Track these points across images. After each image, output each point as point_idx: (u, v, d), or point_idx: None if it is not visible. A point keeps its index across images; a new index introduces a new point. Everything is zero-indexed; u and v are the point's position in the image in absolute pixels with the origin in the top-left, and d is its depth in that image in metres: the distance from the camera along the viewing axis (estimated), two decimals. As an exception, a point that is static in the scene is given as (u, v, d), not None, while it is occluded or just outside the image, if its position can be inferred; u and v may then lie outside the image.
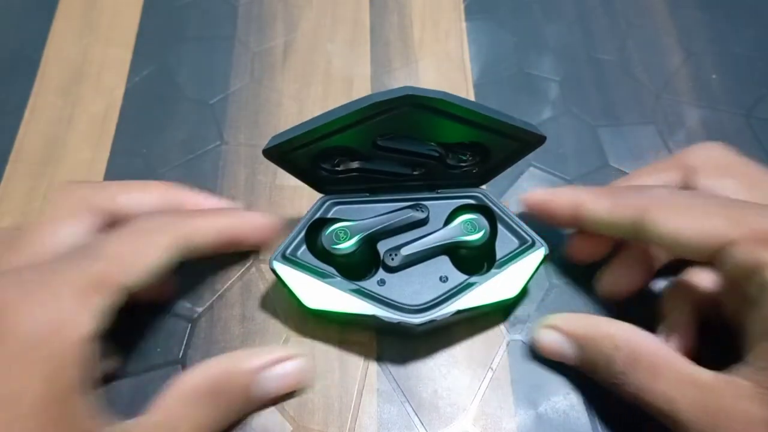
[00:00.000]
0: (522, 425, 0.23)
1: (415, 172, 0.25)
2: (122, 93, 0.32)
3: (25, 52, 0.33)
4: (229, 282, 0.26)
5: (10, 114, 0.31)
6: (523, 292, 0.25)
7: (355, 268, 0.24)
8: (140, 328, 0.25)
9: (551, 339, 0.23)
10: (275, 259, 0.23)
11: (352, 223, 0.24)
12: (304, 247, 0.24)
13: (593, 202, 0.23)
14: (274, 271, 0.23)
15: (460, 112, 0.21)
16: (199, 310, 0.25)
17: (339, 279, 0.23)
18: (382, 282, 0.24)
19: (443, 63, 0.33)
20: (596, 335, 0.22)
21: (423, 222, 0.25)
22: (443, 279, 0.24)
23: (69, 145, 0.30)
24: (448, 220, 0.25)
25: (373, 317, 0.22)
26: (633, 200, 0.22)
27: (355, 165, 0.24)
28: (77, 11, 0.35)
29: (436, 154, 0.24)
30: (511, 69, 0.33)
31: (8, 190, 0.29)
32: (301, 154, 0.23)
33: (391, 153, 0.24)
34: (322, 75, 0.32)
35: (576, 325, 0.23)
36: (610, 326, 0.22)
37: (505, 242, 0.25)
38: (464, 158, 0.24)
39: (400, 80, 0.32)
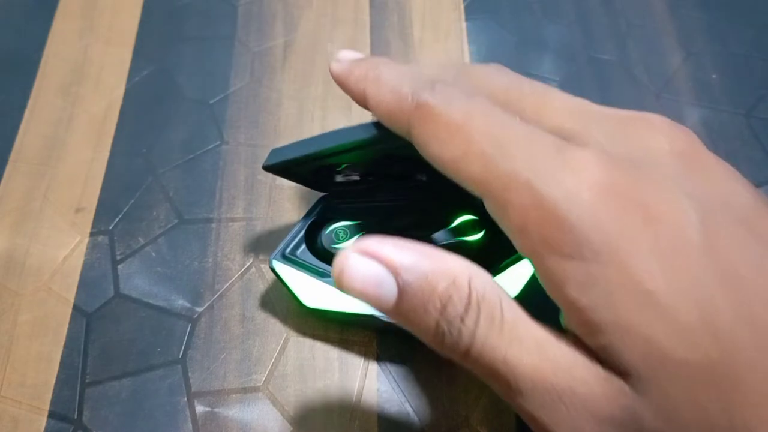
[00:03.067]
0: (523, 424, 0.23)
1: (417, 177, 0.25)
2: (122, 93, 0.32)
3: (25, 52, 0.33)
4: (229, 282, 0.26)
5: (10, 114, 0.31)
6: (522, 294, 0.25)
7: None
8: (140, 328, 0.25)
9: (367, 271, 0.16)
10: (275, 258, 0.23)
11: (352, 223, 0.24)
12: (303, 246, 0.24)
13: (375, 95, 0.18)
14: (273, 270, 0.23)
15: None
16: (199, 310, 0.25)
17: None
18: None
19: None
20: (430, 269, 0.15)
21: (423, 222, 0.25)
22: None
23: (69, 145, 0.30)
24: (449, 221, 0.25)
25: (371, 317, 0.22)
26: (412, 103, 0.17)
27: (356, 177, 0.24)
28: (77, 11, 0.35)
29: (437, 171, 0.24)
30: (511, 69, 0.33)
31: (8, 190, 0.29)
32: (302, 169, 0.23)
33: (393, 167, 0.23)
34: (322, 75, 0.32)
35: (403, 252, 0.16)
36: (446, 259, 0.16)
37: (505, 244, 0.24)
38: None
39: (400, 80, 0.32)
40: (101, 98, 0.32)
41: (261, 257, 0.27)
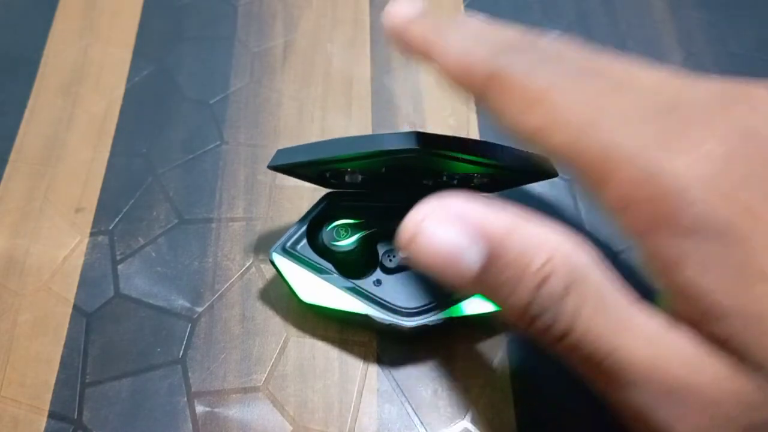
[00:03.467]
0: (523, 424, 0.23)
1: (423, 182, 0.24)
2: (122, 93, 0.32)
3: (25, 52, 0.33)
4: (229, 282, 0.26)
5: (10, 114, 0.31)
6: None
7: (353, 266, 0.24)
8: (140, 328, 0.25)
9: (448, 239, 0.14)
10: (275, 251, 0.23)
11: (353, 221, 0.24)
12: (304, 241, 0.24)
13: (440, 58, 0.17)
14: (273, 263, 0.23)
15: (471, 158, 0.21)
16: (199, 310, 0.25)
17: (336, 276, 0.23)
18: (378, 282, 0.24)
19: (443, 63, 0.33)
20: (526, 240, 0.13)
21: None
22: (440, 284, 0.24)
23: (69, 145, 0.30)
24: None
25: (366, 317, 0.22)
26: (490, 63, 0.15)
27: (361, 178, 0.24)
28: (77, 11, 0.35)
29: (444, 180, 0.24)
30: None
31: (8, 190, 0.29)
32: (307, 170, 0.23)
33: (399, 173, 0.23)
34: (322, 75, 0.32)
35: (495, 215, 0.14)
36: (544, 229, 0.14)
37: None
38: (474, 181, 0.24)
39: (400, 80, 0.32)
40: (101, 98, 0.32)
41: (261, 257, 0.27)
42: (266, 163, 0.22)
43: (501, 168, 0.22)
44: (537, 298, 0.13)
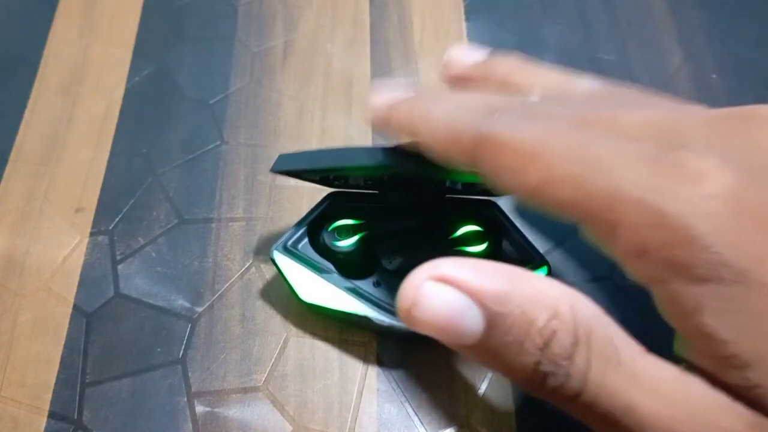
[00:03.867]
0: (522, 424, 0.23)
1: (427, 186, 0.24)
2: (122, 93, 0.32)
3: (25, 52, 0.33)
4: (229, 282, 0.26)
5: (10, 114, 0.31)
6: None
7: (354, 266, 0.24)
8: (140, 328, 0.25)
9: (446, 301, 0.13)
10: (276, 249, 0.23)
11: (355, 222, 0.24)
12: (306, 240, 0.24)
13: (427, 133, 0.17)
14: (273, 261, 0.23)
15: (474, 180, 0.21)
16: (199, 310, 0.25)
17: (336, 276, 0.23)
18: (378, 284, 0.24)
19: (443, 63, 0.33)
20: (526, 297, 0.13)
21: (427, 228, 0.25)
22: None
23: (69, 145, 0.30)
24: (453, 229, 0.25)
25: (365, 318, 0.22)
26: (474, 131, 0.15)
27: (363, 182, 0.24)
28: (77, 11, 0.35)
29: (447, 185, 0.24)
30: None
31: (8, 190, 0.29)
32: (309, 175, 0.23)
33: (403, 182, 0.23)
34: (322, 75, 0.32)
35: (489, 277, 0.13)
36: (542, 284, 0.13)
37: (507, 257, 0.24)
38: (477, 186, 0.24)
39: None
40: (101, 98, 0.32)
41: (261, 257, 0.27)
42: (266, 163, 0.22)
43: None
44: (545, 357, 0.13)
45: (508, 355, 0.13)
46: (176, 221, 0.28)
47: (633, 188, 0.13)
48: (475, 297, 0.13)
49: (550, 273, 0.23)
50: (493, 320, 0.13)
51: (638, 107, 0.15)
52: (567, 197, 0.14)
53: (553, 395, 0.13)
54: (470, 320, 0.13)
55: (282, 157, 0.22)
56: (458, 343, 0.13)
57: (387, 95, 0.19)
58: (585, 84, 0.18)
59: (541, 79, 0.19)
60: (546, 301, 0.13)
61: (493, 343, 0.13)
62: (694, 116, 0.15)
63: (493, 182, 0.15)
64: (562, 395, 0.13)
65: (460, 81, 0.20)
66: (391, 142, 0.19)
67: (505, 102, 0.17)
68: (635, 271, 0.13)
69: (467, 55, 0.21)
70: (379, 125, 0.19)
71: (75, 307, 0.26)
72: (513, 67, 0.20)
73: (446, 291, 0.13)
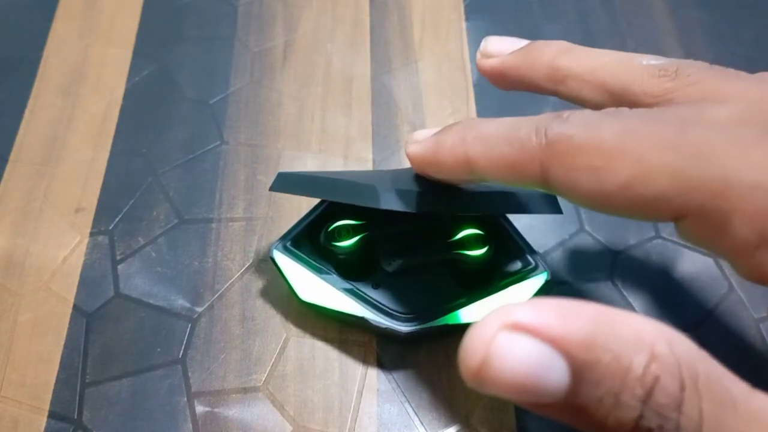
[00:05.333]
0: (522, 424, 0.23)
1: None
2: (122, 93, 0.32)
3: (25, 52, 0.33)
4: (229, 282, 0.26)
5: (10, 114, 0.31)
6: None
7: (353, 267, 0.24)
8: (140, 328, 0.25)
9: (527, 354, 0.11)
10: (275, 247, 0.23)
11: (355, 223, 0.24)
12: (305, 240, 0.24)
13: (486, 152, 0.15)
14: (273, 261, 0.23)
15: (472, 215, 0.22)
16: (199, 310, 0.25)
17: (335, 276, 0.23)
18: (376, 285, 0.24)
19: (443, 63, 0.33)
20: (617, 339, 0.11)
21: (427, 231, 0.25)
22: (438, 291, 0.24)
23: (69, 145, 0.30)
24: (454, 232, 0.24)
25: (363, 319, 0.22)
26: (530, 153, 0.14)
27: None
28: (77, 11, 0.35)
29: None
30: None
31: (8, 190, 0.29)
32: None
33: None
34: (322, 75, 0.32)
35: (571, 319, 0.11)
36: (636, 322, 0.11)
37: (507, 262, 0.24)
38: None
39: (400, 80, 0.32)
40: (101, 98, 0.32)
41: (261, 257, 0.27)
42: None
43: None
44: (648, 410, 0.11)
45: (601, 411, 0.11)
46: (176, 221, 0.28)
47: (747, 173, 0.11)
48: (559, 346, 0.11)
49: (550, 278, 0.23)
50: (579, 371, 0.11)
51: (721, 85, 0.14)
52: (664, 190, 0.12)
53: None
54: (555, 373, 0.11)
55: (281, 176, 0.22)
56: (539, 400, 0.11)
57: (426, 131, 0.18)
58: (650, 62, 0.17)
59: (596, 62, 0.17)
60: (642, 342, 0.11)
61: (582, 399, 0.11)
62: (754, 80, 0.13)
63: (565, 192, 0.14)
64: None
65: (499, 74, 0.19)
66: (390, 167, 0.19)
67: (557, 113, 0.15)
68: (753, 267, 0.12)
69: (506, 43, 0.19)
70: (426, 159, 0.17)
71: (75, 307, 0.26)
72: (561, 50, 0.18)
73: (526, 342, 0.11)
